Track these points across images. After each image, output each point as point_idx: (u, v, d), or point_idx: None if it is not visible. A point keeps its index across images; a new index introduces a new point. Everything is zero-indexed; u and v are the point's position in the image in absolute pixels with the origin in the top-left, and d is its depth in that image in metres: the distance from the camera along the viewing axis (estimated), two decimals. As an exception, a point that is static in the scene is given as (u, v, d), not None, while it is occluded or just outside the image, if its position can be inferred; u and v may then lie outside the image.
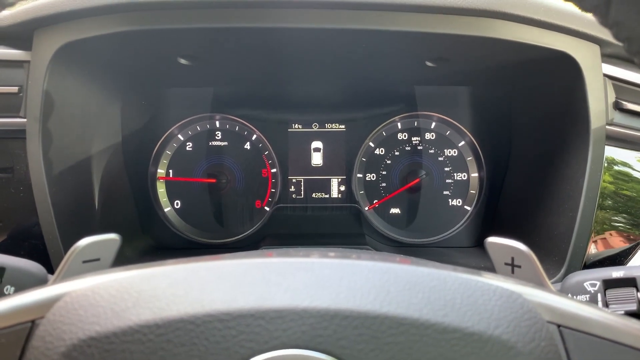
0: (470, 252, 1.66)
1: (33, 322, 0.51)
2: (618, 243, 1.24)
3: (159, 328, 0.47)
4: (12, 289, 0.79)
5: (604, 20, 0.54)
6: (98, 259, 0.75)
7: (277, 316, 0.47)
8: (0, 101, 1.17)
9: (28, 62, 1.16)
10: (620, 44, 0.56)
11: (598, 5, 0.53)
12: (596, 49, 1.17)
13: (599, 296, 0.81)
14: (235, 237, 1.70)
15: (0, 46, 1.19)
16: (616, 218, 1.25)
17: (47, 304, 0.52)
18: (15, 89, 1.17)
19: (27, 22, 1.13)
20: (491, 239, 0.76)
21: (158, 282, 0.52)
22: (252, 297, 0.49)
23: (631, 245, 1.24)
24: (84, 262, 0.73)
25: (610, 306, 0.80)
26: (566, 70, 1.19)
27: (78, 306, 0.50)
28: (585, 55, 1.16)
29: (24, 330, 0.50)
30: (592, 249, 1.22)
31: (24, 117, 1.15)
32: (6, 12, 1.11)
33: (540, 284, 0.71)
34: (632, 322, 0.53)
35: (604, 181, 1.20)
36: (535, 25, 1.13)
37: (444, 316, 0.49)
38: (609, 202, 1.24)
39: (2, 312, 0.52)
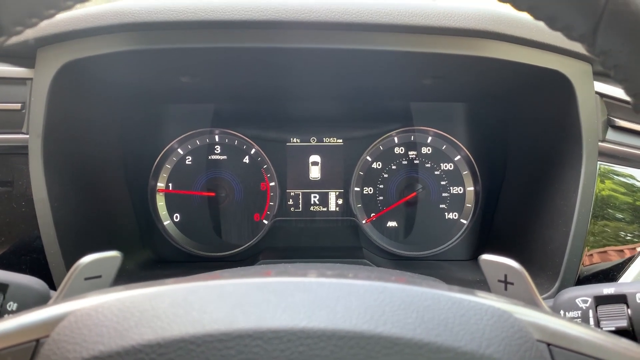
0: (466, 265, 1.67)
1: (38, 341, 0.52)
2: (612, 257, 1.26)
3: (161, 347, 0.48)
4: (15, 305, 0.81)
5: (591, 49, 0.56)
6: (100, 276, 0.76)
7: (275, 336, 0.49)
8: (3, 117, 1.19)
9: (31, 79, 1.17)
10: (608, 71, 0.58)
11: (585, 34, 0.55)
12: (588, 67, 1.19)
13: (590, 312, 0.83)
14: (234, 250, 1.72)
15: (3, 63, 1.21)
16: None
17: (52, 323, 0.53)
18: (18, 106, 1.18)
19: (30, 40, 1.15)
20: (485, 257, 0.78)
21: (160, 302, 0.53)
22: (251, 318, 0.50)
23: (624, 259, 1.26)
24: (86, 279, 0.74)
25: (601, 322, 0.81)
26: (559, 88, 1.21)
27: (82, 325, 0.52)
28: (577, 74, 1.18)
29: (29, 349, 0.51)
30: (588, 262, 1.23)
31: (27, 134, 1.17)
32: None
33: (532, 301, 0.72)
34: (621, 341, 0.55)
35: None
36: (528, 45, 1.15)
37: (436, 336, 0.50)
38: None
39: (7, 331, 0.53)
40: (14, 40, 1.16)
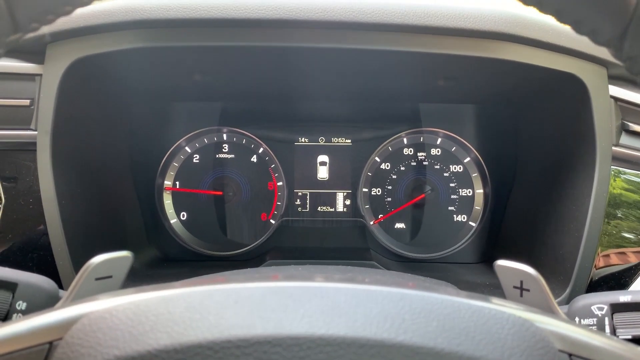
0: (474, 268, 1.66)
1: (51, 343, 0.51)
2: (624, 260, 1.24)
3: (177, 353, 0.47)
4: (25, 304, 0.80)
5: (618, 54, 0.55)
6: (110, 277, 0.75)
7: (294, 343, 0.48)
8: (11, 114, 1.18)
9: (40, 75, 1.16)
10: (634, 77, 0.57)
11: (612, 39, 0.54)
12: (603, 70, 1.18)
13: (606, 320, 0.82)
14: (241, 250, 1.71)
15: (13, 59, 1.20)
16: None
17: (65, 326, 0.52)
18: (27, 102, 1.18)
19: (40, 35, 1.14)
20: (500, 262, 0.77)
21: (175, 306, 0.52)
22: (270, 324, 0.49)
23: (637, 263, 1.24)
24: (97, 279, 0.74)
25: (617, 330, 0.80)
26: (573, 92, 1.20)
27: (96, 329, 0.51)
28: (592, 77, 1.17)
29: (42, 352, 0.51)
30: (599, 265, 1.21)
31: (35, 130, 1.16)
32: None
33: (549, 309, 0.71)
34: (641, 351, 0.54)
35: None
36: (543, 48, 1.14)
37: (458, 345, 0.49)
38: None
39: (21, 332, 0.52)
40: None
